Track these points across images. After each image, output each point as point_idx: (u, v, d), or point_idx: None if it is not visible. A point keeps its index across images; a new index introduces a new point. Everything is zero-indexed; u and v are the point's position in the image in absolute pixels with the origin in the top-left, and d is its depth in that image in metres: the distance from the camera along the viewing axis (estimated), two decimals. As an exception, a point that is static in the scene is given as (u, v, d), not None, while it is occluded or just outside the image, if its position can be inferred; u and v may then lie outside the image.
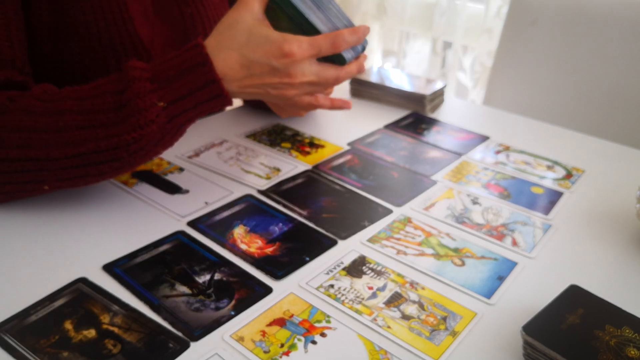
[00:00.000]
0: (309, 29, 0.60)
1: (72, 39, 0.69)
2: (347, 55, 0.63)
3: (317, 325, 0.50)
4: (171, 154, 0.77)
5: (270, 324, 0.49)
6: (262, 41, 0.58)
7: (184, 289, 0.53)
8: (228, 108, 0.98)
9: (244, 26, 0.59)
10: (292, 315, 0.50)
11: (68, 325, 0.48)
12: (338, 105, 0.70)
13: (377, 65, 1.69)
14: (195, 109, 0.59)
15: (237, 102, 0.99)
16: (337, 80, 0.63)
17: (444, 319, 0.51)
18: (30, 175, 0.59)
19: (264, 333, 0.48)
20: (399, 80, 1.02)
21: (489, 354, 0.48)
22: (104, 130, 0.57)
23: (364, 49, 0.65)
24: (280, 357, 0.46)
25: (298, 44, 0.58)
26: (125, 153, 0.58)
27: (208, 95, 0.59)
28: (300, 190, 0.71)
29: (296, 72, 0.59)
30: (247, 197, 0.68)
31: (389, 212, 0.68)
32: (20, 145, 0.57)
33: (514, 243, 0.63)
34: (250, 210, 0.66)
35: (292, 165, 0.77)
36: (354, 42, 0.61)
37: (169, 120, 0.58)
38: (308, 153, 0.80)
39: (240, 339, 0.48)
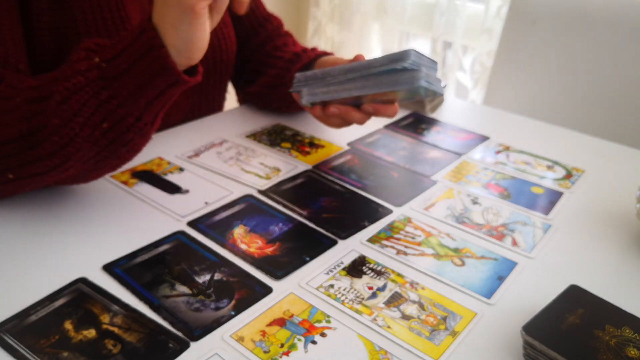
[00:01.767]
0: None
1: (72, 38, 0.69)
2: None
3: (317, 325, 0.50)
4: (171, 154, 0.77)
5: (270, 324, 0.49)
6: None
7: (183, 289, 0.53)
8: (227, 108, 0.98)
9: None
10: (292, 315, 0.50)
11: (68, 325, 0.48)
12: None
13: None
14: (135, 68, 0.54)
15: (237, 102, 0.99)
16: None
17: (444, 319, 0.51)
18: None
19: (264, 333, 0.48)
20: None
21: (489, 354, 0.48)
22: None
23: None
24: (280, 357, 0.46)
25: None
26: (55, 118, 0.53)
27: (143, 48, 0.54)
28: (300, 190, 0.71)
29: None
30: (247, 197, 0.68)
31: (389, 212, 0.68)
32: None
33: (514, 243, 0.63)
34: (250, 210, 0.66)
35: (292, 165, 0.77)
36: None
37: (107, 84, 0.54)
38: (308, 153, 0.80)
39: (240, 339, 0.48)
